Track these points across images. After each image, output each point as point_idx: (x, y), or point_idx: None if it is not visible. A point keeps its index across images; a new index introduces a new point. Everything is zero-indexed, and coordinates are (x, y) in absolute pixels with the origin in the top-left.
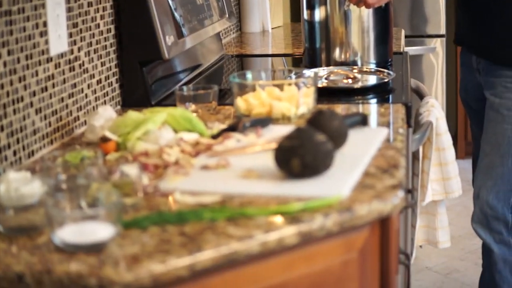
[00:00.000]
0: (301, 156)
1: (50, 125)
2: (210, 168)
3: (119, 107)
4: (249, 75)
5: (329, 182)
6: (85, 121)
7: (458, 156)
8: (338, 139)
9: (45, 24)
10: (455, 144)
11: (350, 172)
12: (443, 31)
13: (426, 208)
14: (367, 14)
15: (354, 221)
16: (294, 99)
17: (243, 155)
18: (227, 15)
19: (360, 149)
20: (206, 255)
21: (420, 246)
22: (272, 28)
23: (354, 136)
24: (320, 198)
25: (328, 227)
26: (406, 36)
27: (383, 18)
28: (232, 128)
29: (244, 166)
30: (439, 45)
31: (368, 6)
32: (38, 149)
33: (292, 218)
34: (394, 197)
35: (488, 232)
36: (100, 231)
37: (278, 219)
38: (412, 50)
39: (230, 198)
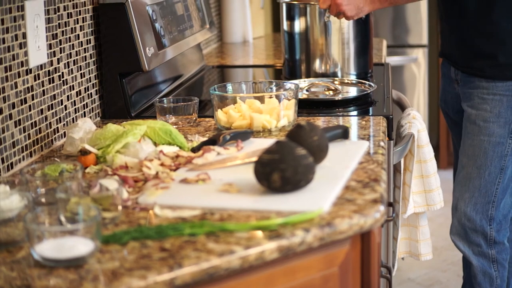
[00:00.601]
0: (281, 170)
1: (29, 138)
2: (190, 182)
3: (98, 118)
4: (229, 87)
5: (309, 196)
6: (64, 133)
7: (440, 167)
8: (319, 154)
9: (24, 35)
10: (437, 154)
11: (331, 187)
12: (425, 41)
13: (408, 220)
14: (347, 26)
15: (335, 236)
16: (275, 112)
17: (223, 168)
18: (207, 26)
19: (341, 163)
20: (186, 271)
21: (402, 258)
22: (254, 38)
23: (335, 149)
24: (301, 213)
25: (309, 242)
26: (388, 46)
27: (363, 29)
28: (212, 141)
29: (225, 180)
30: (421, 55)
31: (347, 18)
32: (17, 161)
33: (273, 233)
34: (375, 211)
35: (467, 244)
36: (79, 246)
37: (259, 234)
38: (394, 60)
39: (210, 213)
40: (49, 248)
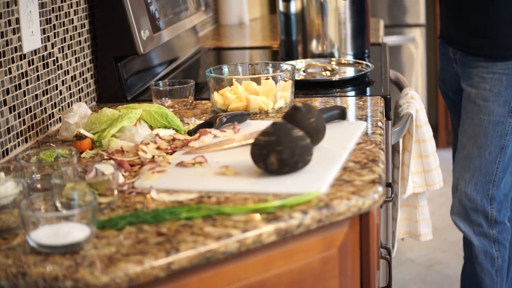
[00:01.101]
0: (278, 152)
1: (24, 123)
2: (187, 165)
3: (94, 103)
4: (225, 69)
5: (307, 178)
6: (60, 118)
7: (439, 146)
8: (316, 135)
9: (17, 21)
10: (436, 133)
11: (329, 168)
12: (422, 20)
13: (407, 200)
14: (343, 6)
15: (333, 218)
16: (272, 93)
17: (220, 151)
18: (203, 8)
19: (339, 144)
20: (183, 255)
21: (402, 239)
22: (250, 20)
23: (333, 130)
24: (298, 195)
25: (307, 224)
26: (385, 26)
27: (359, 9)
28: (209, 124)
29: (221, 163)
30: (418, 35)
31: None
32: (12, 147)
33: (270, 216)
34: (373, 192)
35: (468, 224)
36: (75, 232)
37: (256, 217)
38: (391, 40)
39: (207, 196)
40: (44, 234)
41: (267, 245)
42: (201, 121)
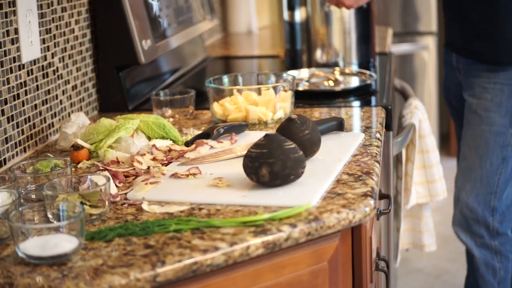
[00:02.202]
0: (269, 164)
1: (23, 133)
2: (181, 176)
3: (96, 112)
4: (225, 79)
5: (299, 191)
6: (59, 127)
7: (451, 154)
8: (310, 148)
9: (16, 31)
10: (448, 142)
11: (322, 181)
12: (434, 28)
13: (411, 211)
14: (348, 15)
15: (323, 231)
16: (271, 104)
17: (215, 162)
18: (209, 16)
19: (334, 156)
20: (169, 268)
21: (406, 250)
22: (259, 29)
23: (329, 141)
24: (288, 208)
25: (295, 237)
26: (397, 34)
27: (364, 17)
28: (207, 135)
29: (215, 174)
30: (431, 42)
31: (347, 7)
32: (10, 157)
33: (258, 229)
34: (364, 205)
35: (469, 235)
36: (63, 243)
37: (244, 230)
38: (403, 48)
39: (198, 208)
40: (33, 245)
41: (255, 258)
42: (199, 132)
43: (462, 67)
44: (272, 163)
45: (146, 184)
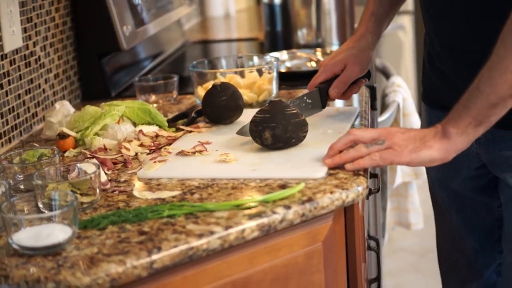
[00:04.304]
0: (271, 128)
1: (7, 123)
2: (187, 154)
3: (78, 100)
4: (209, 63)
5: (307, 163)
6: (43, 117)
7: None
8: (226, 112)
9: None
10: None
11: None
12: (410, 7)
13: (397, 190)
14: None
15: (316, 212)
16: (256, 86)
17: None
18: (188, 1)
19: (335, 129)
20: (165, 254)
21: (392, 229)
22: (236, 12)
23: (328, 116)
24: (284, 190)
25: (290, 219)
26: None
27: None
28: (186, 114)
29: (221, 151)
30: (407, 22)
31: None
32: None
33: (253, 211)
34: (357, 185)
35: None
36: (57, 233)
37: (238, 213)
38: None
39: (190, 193)
40: (26, 236)
41: (250, 241)
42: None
43: (486, 139)
44: (274, 127)
45: (155, 162)
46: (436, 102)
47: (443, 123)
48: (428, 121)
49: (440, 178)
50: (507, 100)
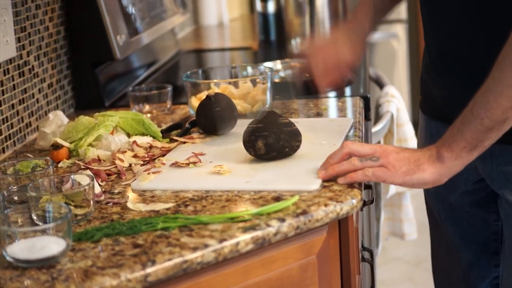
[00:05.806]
0: (264, 137)
1: (1, 134)
2: (181, 165)
3: (72, 109)
4: (202, 73)
5: (301, 175)
6: (37, 127)
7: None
8: (220, 123)
9: None
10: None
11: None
12: (404, 15)
13: (391, 200)
14: (321, 4)
15: (311, 224)
16: (249, 97)
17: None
18: (181, 10)
19: (329, 140)
20: (159, 267)
21: (386, 239)
22: (230, 20)
23: (323, 128)
24: (278, 203)
25: (284, 232)
26: None
27: (338, 8)
28: (180, 125)
29: (215, 162)
30: (400, 30)
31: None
32: None
33: (247, 224)
34: (351, 197)
35: None
36: (51, 245)
37: (233, 226)
38: (373, 37)
39: (184, 205)
40: (20, 249)
41: (244, 254)
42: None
43: (484, 153)
44: (266, 136)
45: (148, 173)
46: (434, 112)
47: (438, 146)
48: (426, 131)
49: (437, 192)
50: (501, 124)
